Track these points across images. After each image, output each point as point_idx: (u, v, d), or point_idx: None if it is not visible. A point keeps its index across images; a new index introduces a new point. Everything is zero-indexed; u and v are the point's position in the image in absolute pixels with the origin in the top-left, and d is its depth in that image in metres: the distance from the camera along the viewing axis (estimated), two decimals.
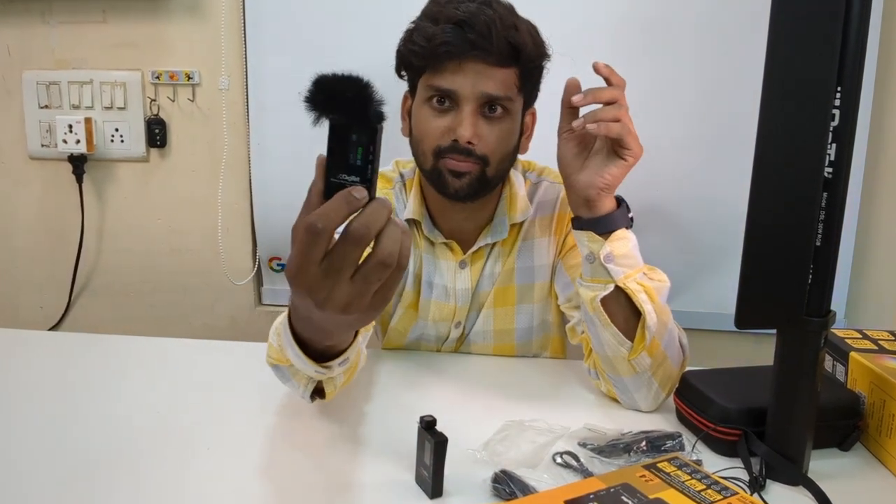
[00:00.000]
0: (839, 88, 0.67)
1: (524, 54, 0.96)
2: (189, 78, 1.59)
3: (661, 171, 1.49)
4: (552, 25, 1.44)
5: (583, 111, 0.90)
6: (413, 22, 1.00)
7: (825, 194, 0.70)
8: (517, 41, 0.94)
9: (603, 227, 0.90)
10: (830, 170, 0.69)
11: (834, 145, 0.69)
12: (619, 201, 0.92)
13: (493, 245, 1.10)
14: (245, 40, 1.53)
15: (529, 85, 1.01)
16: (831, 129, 0.68)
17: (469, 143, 0.96)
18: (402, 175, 1.14)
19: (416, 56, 0.97)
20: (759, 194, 0.70)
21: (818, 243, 0.71)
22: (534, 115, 1.07)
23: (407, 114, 1.06)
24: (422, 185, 1.09)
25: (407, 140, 1.06)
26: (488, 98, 0.96)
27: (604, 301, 0.91)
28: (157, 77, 1.59)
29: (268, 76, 1.54)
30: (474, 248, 1.09)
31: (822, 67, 0.67)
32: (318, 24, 1.50)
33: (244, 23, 1.52)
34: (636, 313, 0.89)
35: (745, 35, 1.40)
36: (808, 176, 0.69)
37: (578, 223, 0.92)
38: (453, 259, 1.10)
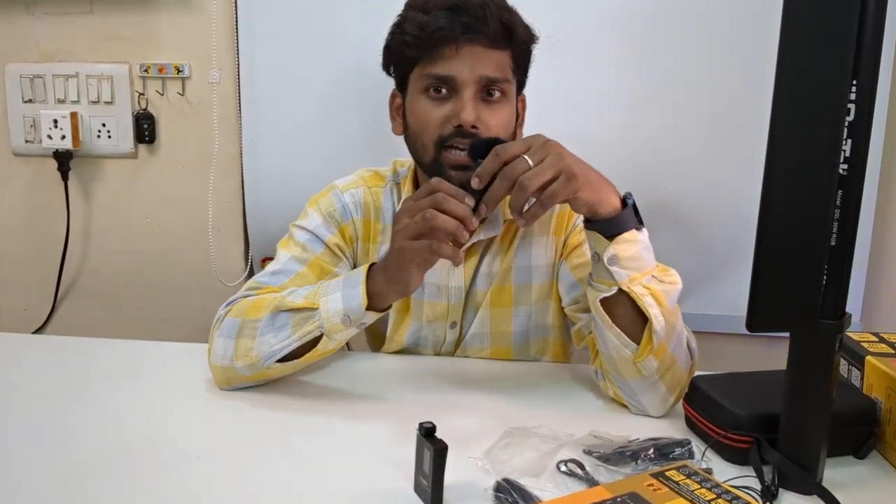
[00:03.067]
0: (854, 82, 0.67)
1: (517, 36, 0.99)
2: (179, 71, 1.59)
3: (670, 167, 1.49)
4: (557, 19, 1.45)
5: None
6: (399, 15, 1.02)
7: (840, 192, 0.70)
8: (511, 22, 0.98)
9: (609, 228, 0.89)
10: (846, 166, 0.69)
11: (849, 141, 0.69)
12: (626, 200, 0.90)
13: (490, 242, 1.10)
14: (237, 32, 1.53)
15: (521, 69, 1.04)
16: (846, 124, 0.68)
17: (473, 126, 0.97)
18: (396, 174, 1.15)
19: (408, 47, 0.99)
20: (771, 192, 0.70)
21: (833, 243, 0.71)
22: (524, 101, 1.09)
23: (397, 112, 1.07)
24: (417, 182, 1.10)
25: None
26: (487, 81, 0.98)
27: (608, 303, 0.91)
28: (146, 70, 1.59)
29: (261, 69, 1.54)
30: (467, 244, 1.09)
31: (836, 60, 0.67)
32: (313, 15, 1.50)
33: (236, 13, 1.52)
34: (643, 316, 0.89)
35: (758, 25, 1.39)
36: (822, 173, 0.69)
37: (587, 224, 0.92)
38: None
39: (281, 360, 0.96)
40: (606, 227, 0.89)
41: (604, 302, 0.91)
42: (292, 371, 0.99)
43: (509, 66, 1.00)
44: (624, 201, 0.90)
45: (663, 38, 1.45)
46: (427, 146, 1.00)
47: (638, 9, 1.44)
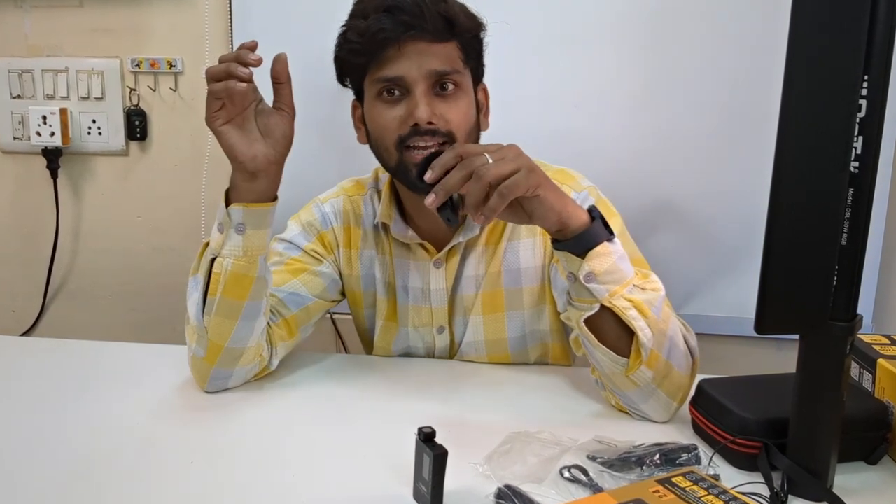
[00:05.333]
0: (866, 77, 0.67)
1: (459, 26, 1.01)
2: (171, 66, 1.59)
3: (675, 166, 1.49)
4: (559, 16, 1.45)
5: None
6: (343, 26, 1.04)
7: (851, 190, 0.70)
8: (449, 13, 1.00)
9: (579, 246, 0.89)
10: (857, 164, 0.69)
11: (860, 138, 0.69)
12: (592, 213, 0.91)
13: (472, 244, 1.11)
14: (231, 25, 1.53)
15: (473, 58, 1.05)
16: (858, 120, 0.68)
17: (430, 122, 0.98)
18: (378, 180, 1.17)
19: (354, 54, 1.01)
20: (780, 190, 0.70)
21: (844, 243, 0.71)
22: (486, 91, 1.10)
23: (360, 122, 1.09)
24: (394, 187, 1.11)
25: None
26: (437, 75, 0.99)
27: (593, 320, 0.91)
28: (137, 65, 1.59)
29: None
30: (448, 246, 1.10)
31: (847, 54, 0.67)
32: (309, 8, 1.50)
33: (230, 6, 1.52)
34: (629, 329, 0.90)
35: (765, 20, 1.40)
36: (833, 171, 0.69)
37: (554, 244, 0.92)
38: (428, 259, 1.11)
39: (206, 313, 0.97)
40: (577, 243, 0.89)
41: (588, 321, 0.92)
42: (228, 321, 0.96)
43: (458, 57, 1.02)
44: (591, 214, 0.90)
45: (668, 34, 1.45)
46: (389, 149, 1.01)
47: (641, 5, 1.44)
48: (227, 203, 0.95)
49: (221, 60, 0.88)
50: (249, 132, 0.92)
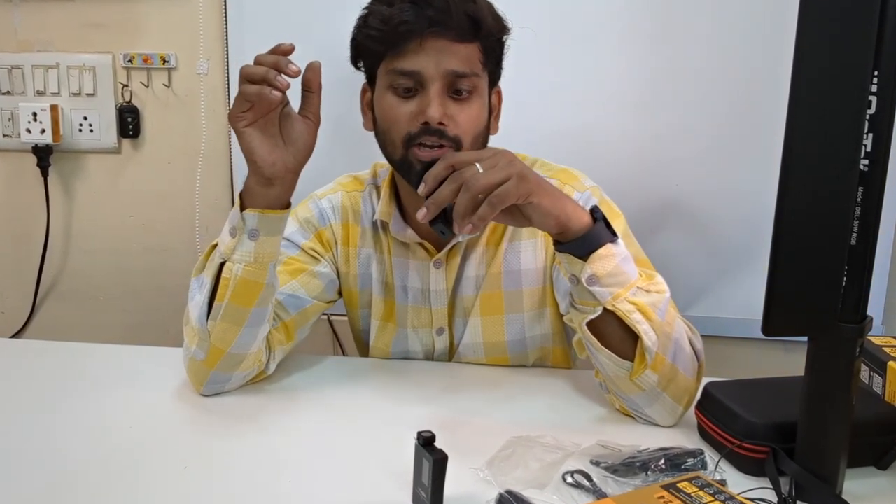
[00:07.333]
0: (876, 73, 0.67)
1: (485, 28, 1.00)
2: (164, 61, 1.59)
3: (681, 165, 1.49)
4: (563, 11, 1.45)
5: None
6: (364, 8, 1.03)
7: (861, 189, 0.70)
8: (476, 14, 0.99)
9: (582, 247, 0.89)
10: (867, 162, 0.69)
11: (871, 135, 0.69)
12: (595, 214, 0.91)
13: (472, 245, 1.11)
14: (226, 20, 1.53)
15: (493, 61, 1.05)
16: (868, 117, 0.68)
17: (440, 123, 0.98)
18: (376, 176, 1.17)
19: (373, 41, 1.00)
20: (788, 189, 0.70)
21: (853, 242, 0.71)
22: (499, 94, 1.10)
23: (368, 107, 1.08)
24: (395, 184, 1.11)
25: None
26: (454, 75, 0.99)
27: (596, 323, 0.91)
28: (130, 61, 1.59)
29: (250, 59, 1.54)
30: (448, 246, 1.10)
31: (857, 49, 0.67)
32: (303, 4, 1.50)
33: (224, 1, 1.52)
34: (634, 333, 0.90)
35: (772, 17, 1.40)
36: (842, 169, 0.69)
37: (556, 246, 0.92)
38: (427, 259, 1.11)
39: (211, 318, 0.96)
40: (579, 246, 0.89)
41: (591, 324, 0.92)
42: (233, 327, 0.96)
43: (478, 59, 1.01)
44: (593, 215, 0.90)
45: (674, 31, 1.45)
46: (396, 143, 1.01)
47: (646, 2, 1.44)
48: (242, 208, 0.94)
49: (257, 61, 0.88)
50: (272, 137, 0.92)
